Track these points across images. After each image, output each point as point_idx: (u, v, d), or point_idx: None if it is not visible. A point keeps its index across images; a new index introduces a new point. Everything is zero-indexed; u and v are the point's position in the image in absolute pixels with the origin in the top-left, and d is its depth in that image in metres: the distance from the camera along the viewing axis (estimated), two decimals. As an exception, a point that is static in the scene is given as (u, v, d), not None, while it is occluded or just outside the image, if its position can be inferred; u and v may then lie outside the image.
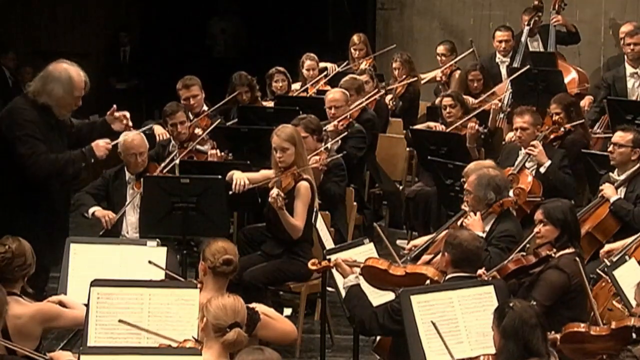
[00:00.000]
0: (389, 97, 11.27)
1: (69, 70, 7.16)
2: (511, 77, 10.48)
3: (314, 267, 6.41)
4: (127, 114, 7.49)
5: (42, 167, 7.07)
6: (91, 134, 7.49)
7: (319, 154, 8.55)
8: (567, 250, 6.56)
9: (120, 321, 5.33)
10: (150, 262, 6.14)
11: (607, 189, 7.99)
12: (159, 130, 9.02)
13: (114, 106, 7.50)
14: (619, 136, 8.08)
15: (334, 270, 6.49)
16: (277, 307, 8.19)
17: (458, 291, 5.71)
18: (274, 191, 7.50)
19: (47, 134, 7.17)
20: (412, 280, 6.12)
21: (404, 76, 11.35)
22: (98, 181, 8.28)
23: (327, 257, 6.40)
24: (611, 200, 7.92)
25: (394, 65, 11.42)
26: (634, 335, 5.59)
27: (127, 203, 7.96)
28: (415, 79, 11.36)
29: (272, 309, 5.82)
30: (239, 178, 7.84)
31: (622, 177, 8.05)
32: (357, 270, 6.21)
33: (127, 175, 8.15)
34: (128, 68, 15.21)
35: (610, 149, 8.12)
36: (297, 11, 15.20)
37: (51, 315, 5.72)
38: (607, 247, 7.54)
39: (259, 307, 5.63)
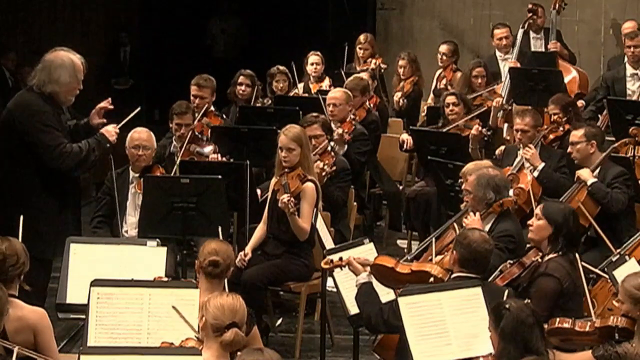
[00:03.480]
0: (398, 94, 11.27)
1: (69, 55, 7.22)
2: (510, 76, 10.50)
3: (326, 266, 6.41)
4: (105, 105, 7.45)
5: (69, 157, 7.09)
6: (75, 136, 7.46)
7: (325, 157, 8.53)
8: (553, 255, 6.52)
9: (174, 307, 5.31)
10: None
11: (583, 172, 8.06)
12: None
13: (109, 99, 7.50)
14: (573, 135, 8.21)
15: (335, 271, 6.49)
16: (277, 307, 8.25)
17: (446, 292, 5.68)
18: (285, 196, 7.49)
19: (59, 124, 7.19)
20: (418, 278, 6.16)
21: (409, 75, 11.36)
22: (101, 193, 8.17)
23: (340, 256, 6.40)
24: (589, 183, 7.96)
25: (400, 63, 11.42)
26: (616, 336, 5.61)
27: (128, 203, 7.91)
28: (419, 79, 11.39)
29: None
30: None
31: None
32: (368, 268, 6.24)
33: (131, 174, 8.13)
34: (128, 68, 15.22)
35: (569, 149, 8.21)
36: (297, 11, 15.20)
37: (43, 326, 5.59)
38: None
39: None
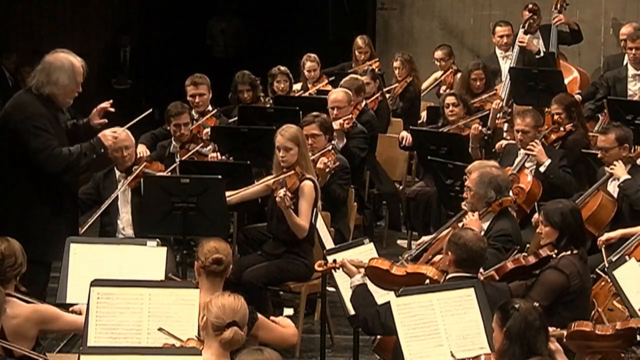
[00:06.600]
0: (387, 95, 11.26)
1: (69, 57, 7.20)
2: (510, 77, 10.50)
3: (320, 269, 6.41)
4: (106, 106, 7.45)
5: (57, 161, 7.05)
6: (75, 136, 7.45)
7: (328, 155, 8.53)
8: (568, 252, 6.54)
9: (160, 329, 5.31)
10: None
11: (618, 168, 7.95)
12: (140, 148, 8.97)
13: (110, 101, 7.49)
14: (602, 140, 8.11)
15: (337, 271, 6.49)
16: (277, 307, 8.24)
17: (438, 294, 5.66)
18: (281, 191, 7.49)
19: (54, 126, 7.17)
20: (413, 280, 6.13)
21: (404, 75, 11.36)
22: (88, 185, 8.18)
23: (334, 258, 6.39)
24: (621, 179, 7.90)
25: (395, 64, 11.42)
26: (638, 337, 5.59)
27: (112, 196, 7.85)
28: (414, 79, 11.39)
29: (280, 317, 5.87)
30: None
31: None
32: (363, 270, 6.23)
33: (117, 173, 8.07)
34: (128, 68, 15.23)
35: (600, 155, 8.14)
36: (297, 11, 15.21)
37: (48, 317, 5.69)
38: (606, 235, 7.53)
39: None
